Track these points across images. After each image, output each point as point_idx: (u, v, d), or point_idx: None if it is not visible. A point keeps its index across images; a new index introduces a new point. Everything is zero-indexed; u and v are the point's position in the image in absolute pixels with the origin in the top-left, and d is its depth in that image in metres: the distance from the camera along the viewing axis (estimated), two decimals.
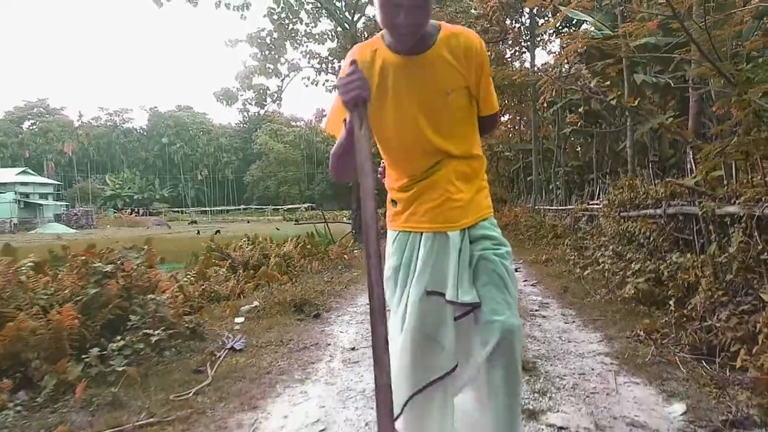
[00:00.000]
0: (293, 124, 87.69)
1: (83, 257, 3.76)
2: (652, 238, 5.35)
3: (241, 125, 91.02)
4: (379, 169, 1.99)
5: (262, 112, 17.85)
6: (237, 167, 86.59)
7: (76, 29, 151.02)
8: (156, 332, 3.47)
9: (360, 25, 17.96)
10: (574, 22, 15.95)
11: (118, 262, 3.83)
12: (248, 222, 49.98)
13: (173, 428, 2.52)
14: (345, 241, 13.44)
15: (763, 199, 3.57)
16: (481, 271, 1.76)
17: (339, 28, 18.06)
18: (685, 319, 3.76)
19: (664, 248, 5.13)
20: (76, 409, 2.73)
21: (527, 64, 20.92)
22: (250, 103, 16.57)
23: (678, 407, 2.64)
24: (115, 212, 64.42)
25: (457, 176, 1.80)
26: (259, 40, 17.47)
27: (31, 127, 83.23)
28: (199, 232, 29.55)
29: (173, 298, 4.24)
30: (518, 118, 25.94)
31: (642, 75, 9.33)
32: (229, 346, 3.80)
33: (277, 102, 16.72)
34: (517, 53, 22.68)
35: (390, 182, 1.93)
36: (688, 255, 4.39)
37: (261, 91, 16.90)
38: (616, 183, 7.60)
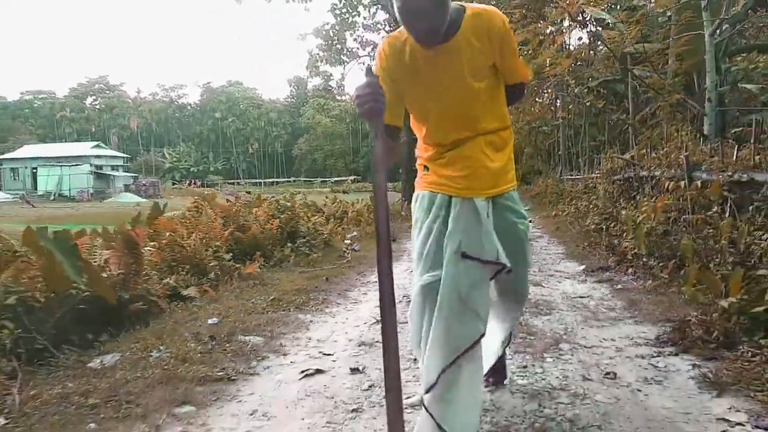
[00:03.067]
0: (339, 98, 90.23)
1: (273, 199, 6.84)
2: (614, 194, 8.06)
3: (289, 100, 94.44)
4: None
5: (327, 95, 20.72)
6: (286, 141, 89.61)
7: (128, 7, 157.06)
8: (325, 233, 6.53)
9: None
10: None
11: (290, 202, 6.90)
12: (299, 193, 53.47)
13: (344, 269, 5.55)
14: (398, 204, 16.33)
15: (657, 165, 6.27)
16: (507, 243, 1.88)
17: (392, 19, 20.69)
18: (612, 235, 6.53)
19: (620, 200, 7.84)
20: (293, 266, 5.77)
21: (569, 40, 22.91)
22: (319, 89, 19.51)
23: (582, 266, 5.47)
24: (174, 183, 68.53)
25: (487, 145, 1.89)
26: (324, 32, 20.34)
27: (93, 103, 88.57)
28: None
29: (313, 224, 7.31)
30: (554, 96, 28.06)
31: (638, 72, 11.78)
32: (351, 248, 6.83)
33: (341, 87, 19.60)
34: (554, 32, 24.71)
35: (420, 152, 2.03)
36: (623, 202, 7.13)
37: (326, 77, 19.88)
38: (604, 156, 10.22)
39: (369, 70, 1.62)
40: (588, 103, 9.37)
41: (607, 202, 8.08)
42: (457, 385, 1.77)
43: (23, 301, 3.19)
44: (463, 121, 1.87)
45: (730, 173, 4.16)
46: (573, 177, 16.27)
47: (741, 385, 2.39)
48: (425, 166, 1.99)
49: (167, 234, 5.00)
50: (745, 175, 3.98)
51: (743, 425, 2.07)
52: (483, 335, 1.83)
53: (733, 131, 5.95)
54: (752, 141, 4.11)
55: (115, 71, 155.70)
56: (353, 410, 2.30)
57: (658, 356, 2.86)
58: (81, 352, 3.09)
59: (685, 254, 4.06)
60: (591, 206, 8.68)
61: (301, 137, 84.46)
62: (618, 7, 14.02)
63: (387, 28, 21.24)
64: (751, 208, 3.81)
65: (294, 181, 77.29)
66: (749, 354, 2.68)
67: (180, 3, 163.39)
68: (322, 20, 23.71)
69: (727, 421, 2.11)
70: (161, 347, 3.06)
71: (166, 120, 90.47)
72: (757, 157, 4.00)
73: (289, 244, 6.33)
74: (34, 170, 51.63)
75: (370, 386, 2.55)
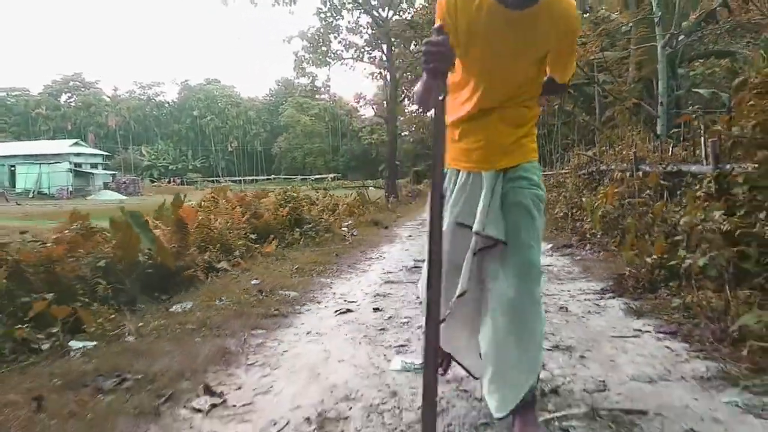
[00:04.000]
0: (318, 97, 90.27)
1: (282, 190, 7.71)
2: (580, 186, 9.11)
3: (268, 98, 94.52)
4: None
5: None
6: (265, 139, 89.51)
7: (100, 3, 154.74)
8: (327, 220, 7.42)
9: (393, 21, 21.27)
10: None
11: (294, 193, 7.78)
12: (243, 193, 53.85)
13: (348, 249, 6.45)
14: (383, 199, 17.28)
15: (613, 161, 7.29)
16: (511, 206, 1.84)
17: (374, 23, 21.57)
18: (575, 220, 7.55)
19: (584, 191, 8.89)
20: (303, 247, 6.65)
21: None
22: (306, 89, 20.36)
23: (549, 245, 6.47)
24: (152, 181, 68.03)
25: (503, 120, 1.87)
26: (309, 35, 21.18)
27: (68, 101, 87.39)
28: None
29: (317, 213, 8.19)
30: None
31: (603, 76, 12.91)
32: (351, 233, 7.74)
33: (326, 87, 20.47)
34: None
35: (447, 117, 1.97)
36: (586, 192, 8.17)
37: (312, 77, 20.75)
38: (573, 153, 11.30)
39: (439, 30, 1.61)
40: (557, 106, 10.41)
41: (574, 193, 9.12)
42: (459, 324, 2.03)
43: (108, 265, 4.04)
44: (500, 93, 1.86)
45: (664, 165, 5.18)
46: (546, 173, 17.41)
47: (654, 312, 3.38)
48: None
49: (198, 218, 5.83)
50: (675, 167, 5.00)
51: (650, 332, 3.04)
52: (464, 293, 1.90)
53: (671, 131, 6.97)
54: (681, 140, 5.12)
55: (89, 68, 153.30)
56: (381, 329, 3.22)
57: (600, 299, 3.85)
58: (156, 305, 3.95)
59: (628, 229, 5.06)
60: (560, 197, 9.72)
61: (281, 135, 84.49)
62: (586, 15, 15.21)
63: (370, 31, 22.18)
64: (678, 192, 4.82)
65: (274, 178, 77.50)
66: (665, 294, 3.67)
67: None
68: (306, 23, 24.47)
69: (639, 330, 3.08)
70: (222, 298, 3.94)
71: (143, 118, 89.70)
72: (683, 153, 5.02)
73: (297, 229, 7.21)
74: (12, 168, 51.15)
75: (390, 317, 3.48)
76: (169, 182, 65.23)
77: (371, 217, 10.11)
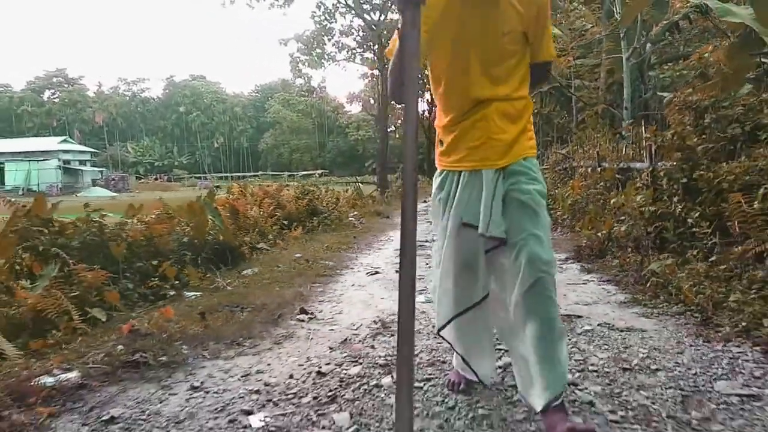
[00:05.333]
0: (303, 93, 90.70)
1: (300, 185, 8.92)
2: (556, 181, 10.45)
3: (254, 94, 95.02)
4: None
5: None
6: (251, 135, 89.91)
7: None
8: (337, 211, 8.67)
9: (383, 24, 22.43)
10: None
11: (312, 187, 9.01)
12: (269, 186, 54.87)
13: (361, 234, 7.70)
14: (375, 194, 18.50)
15: (582, 158, 8.61)
16: (513, 203, 1.85)
17: (366, 26, 22.73)
18: (549, 209, 8.87)
19: (559, 184, 10.23)
20: (322, 232, 7.88)
21: None
22: (302, 89, 21.48)
23: None
24: (139, 178, 68.15)
25: (500, 116, 1.88)
26: (304, 38, 22.31)
27: (51, 97, 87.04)
28: None
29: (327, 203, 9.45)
30: None
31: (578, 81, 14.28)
32: (359, 222, 8.99)
33: (322, 88, 21.59)
34: None
35: (438, 121, 2.05)
36: (560, 185, 9.51)
37: (307, 78, 21.90)
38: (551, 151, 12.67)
39: None
40: (536, 111, 11.76)
41: (551, 186, 10.46)
42: (474, 330, 2.06)
43: (189, 241, 5.26)
44: (482, 80, 1.87)
45: (618, 163, 6.51)
46: None
47: (600, 270, 4.69)
48: (440, 140, 2.04)
49: (241, 208, 7.04)
50: (626, 164, 6.32)
51: (594, 281, 4.35)
52: (485, 297, 1.98)
53: (625, 133, 8.31)
54: (631, 142, 6.44)
55: (71, 64, 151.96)
56: None
57: (564, 264, 5.15)
58: (228, 271, 5.17)
59: (589, 213, 6.38)
60: None
61: (267, 132, 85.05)
62: (563, 23, 16.57)
63: (362, 33, 23.37)
64: (627, 183, 6.14)
65: (261, 175, 78.01)
66: (609, 258, 4.99)
67: None
68: (298, 24, 25.38)
69: (587, 280, 4.39)
70: (279, 265, 5.18)
71: (129, 114, 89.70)
72: (632, 153, 6.35)
73: (315, 218, 8.45)
74: (1, 165, 51.40)
75: None
76: (155, 179, 65.47)
77: (372, 208, 11.40)
